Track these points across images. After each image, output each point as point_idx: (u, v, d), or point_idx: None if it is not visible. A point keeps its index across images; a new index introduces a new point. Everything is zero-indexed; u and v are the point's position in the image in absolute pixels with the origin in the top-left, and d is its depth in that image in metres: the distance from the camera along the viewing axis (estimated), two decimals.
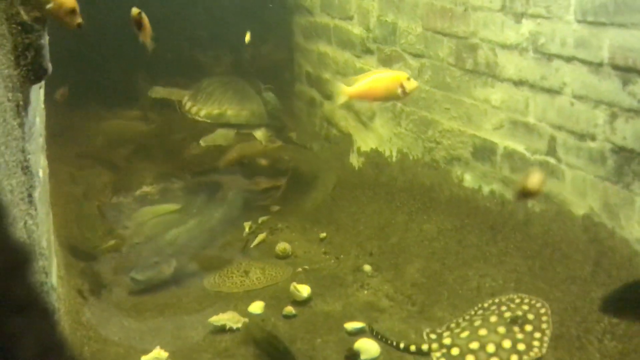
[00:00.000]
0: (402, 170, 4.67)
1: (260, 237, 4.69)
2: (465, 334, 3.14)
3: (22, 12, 1.81)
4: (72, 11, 1.97)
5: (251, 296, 3.88)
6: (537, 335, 3.03)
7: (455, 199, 4.24)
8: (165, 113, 6.21)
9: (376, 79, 3.09)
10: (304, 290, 3.78)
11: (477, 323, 3.18)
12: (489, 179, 4.01)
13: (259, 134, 5.59)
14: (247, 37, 5.25)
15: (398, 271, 3.97)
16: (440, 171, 4.35)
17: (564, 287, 3.41)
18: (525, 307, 3.19)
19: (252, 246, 4.60)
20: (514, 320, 3.06)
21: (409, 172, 4.61)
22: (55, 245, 3.26)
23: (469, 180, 4.15)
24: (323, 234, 4.63)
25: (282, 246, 4.45)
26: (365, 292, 3.84)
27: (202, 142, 5.54)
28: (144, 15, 3.50)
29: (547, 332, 3.02)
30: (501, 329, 3.10)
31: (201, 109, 5.76)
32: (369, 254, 4.21)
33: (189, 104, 5.87)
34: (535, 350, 2.96)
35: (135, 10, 3.51)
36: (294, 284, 3.81)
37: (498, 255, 3.79)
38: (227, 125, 5.65)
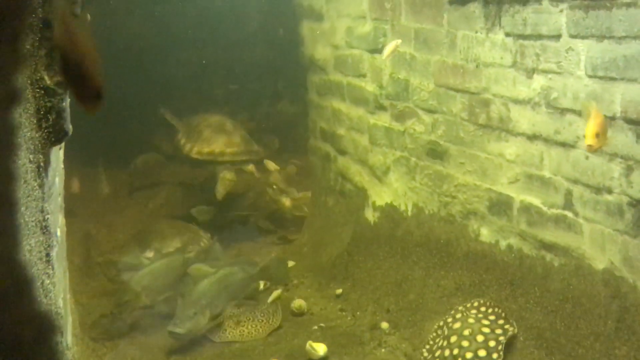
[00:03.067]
0: (418, 225, 4.65)
1: (276, 293, 4.66)
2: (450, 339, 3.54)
3: (45, 77, 1.87)
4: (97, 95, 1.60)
5: (267, 354, 3.82)
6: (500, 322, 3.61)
7: (473, 253, 4.19)
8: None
9: None
10: (320, 349, 3.72)
11: (457, 325, 3.60)
12: (506, 234, 3.98)
13: (271, 165, 5.74)
14: None
15: (416, 329, 3.90)
16: (457, 225, 4.33)
17: (587, 343, 3.33)
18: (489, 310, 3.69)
19: (268, 302, 4.56)
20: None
21: (425, 227, 4.58)
22: (70, 303, 3.25)
23: (485, 234, 4.12)
24: (339, 290, 4.59)
25: (297, 303, 4.40)
26: (383, 350, 3.77)
27: (218, 195, 5.59)
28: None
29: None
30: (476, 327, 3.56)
31: (193, 147, 5.82)
32: (386, 311, 4.15)
33: (183, 141, 5.97)
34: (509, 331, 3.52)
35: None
36: (310, 342, 3.76)
37: (518, 311, 3.71)
38: (221, 163, 5.76)
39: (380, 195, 5.04)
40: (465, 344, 3.46)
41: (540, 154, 3.66)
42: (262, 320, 4.20)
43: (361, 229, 5.15)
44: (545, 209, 3.68)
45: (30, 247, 1.59)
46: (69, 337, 2.79)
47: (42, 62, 1.88)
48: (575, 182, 3.47)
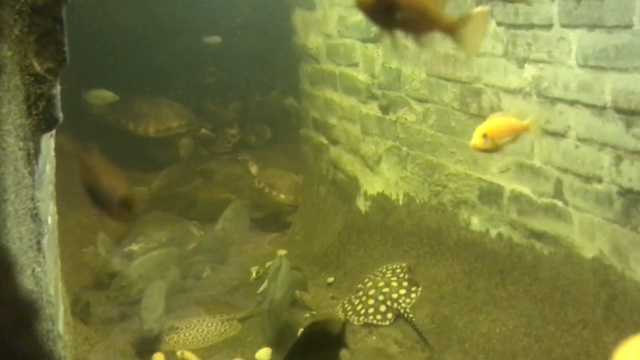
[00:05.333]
0: (409, 214, 4.67)
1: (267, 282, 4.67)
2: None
3: (35, 63, 1.86)
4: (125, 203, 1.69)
5: (258, 342, 3.84)
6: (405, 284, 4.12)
7: (463, 242, 4.22)
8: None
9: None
10: None
11: (369, 284, 4.16)
12: (496, 222, 4.00)
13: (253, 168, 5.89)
14: None
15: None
16: (448, 214, 4.35)
17: (575, 331, 3.36)
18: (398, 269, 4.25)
19: (258, 292, 4.58)
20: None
21: (416, 216, 4.60)
22: (62, 291, 3.25)
23: (476, 223, 4.15)
24: (331, 279, 4.60)
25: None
26: (374, 337, 3.79)
27: (182, 156, 5.79)
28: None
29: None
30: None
31: (148, 127, 6.36)
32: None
33: (132, 126, 6.35)
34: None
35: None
36: (302, 329, 3.77)
37: (508, 299, 3.74)
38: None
39: (372, 185, 5.05)
40: (370, 299, 4.01)
41: (531, 143, 3.68)
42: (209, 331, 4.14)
43: (353, 218, 5.17)
44: (535, 198, 3.70)
45: (20, 235, 1.59)
46: (60, 326, 2.79)
47: (32, 48, 1.86)
48: (566, 171, 3.49)
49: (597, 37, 3.17)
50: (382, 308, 3.92)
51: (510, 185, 3.86)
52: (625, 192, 3.16)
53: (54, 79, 1.93)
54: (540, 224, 3.68)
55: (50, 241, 2.32)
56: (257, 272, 4.87)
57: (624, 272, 3.25)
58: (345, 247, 4.90)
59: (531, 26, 3.54)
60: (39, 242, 1.85)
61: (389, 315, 3.89)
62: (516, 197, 3.83)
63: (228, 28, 6.92)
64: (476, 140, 2.75)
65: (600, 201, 3.31)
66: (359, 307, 3.98)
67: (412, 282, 4.12)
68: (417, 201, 4.60)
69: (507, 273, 3.86)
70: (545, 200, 3.65)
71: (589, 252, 3.43)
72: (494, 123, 2.79)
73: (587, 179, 3.36)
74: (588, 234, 3.41)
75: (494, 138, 2.75)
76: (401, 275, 4.18)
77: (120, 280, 4.34)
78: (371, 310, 3.92)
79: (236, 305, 4.46)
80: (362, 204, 5.15)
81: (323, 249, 5.04)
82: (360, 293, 4.11)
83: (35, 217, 1.79)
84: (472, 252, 4.13)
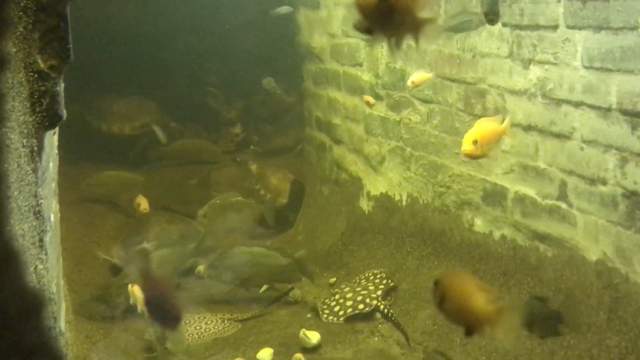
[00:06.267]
0: (412, 215, 4.66)
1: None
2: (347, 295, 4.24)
3: (39, 60, 1.86)
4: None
5: (260, 342, 3.83)
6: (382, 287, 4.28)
7: (466, 243, 4.20)
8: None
9: None
10: (314, 337, 3.73)
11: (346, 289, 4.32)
12: (499, 224, 3.99)
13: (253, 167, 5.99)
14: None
15: (409, 317, 3.92)
16: (451, 216, 4.33)
17: (578, 334, 3.34)
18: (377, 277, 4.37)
19: (260, 292, 4.56)
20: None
21: (419, 217, 4.59)
22: (64, 289, 3.25)
23: (479, 225, 4.13)
24: (333, 279, 4.59)
25: (292, 291, 4.40)
26: (376, 339, 3.78)
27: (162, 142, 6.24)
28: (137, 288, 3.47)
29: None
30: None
31: (124, 126, 6.57)
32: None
33: (104, 125, 6.52)
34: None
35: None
36: (304, 330, 3.77)
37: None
38: None
39: (375, 185, 5.04)
40: (349, 301, 4.17)
41: (535, 145, 3.66)
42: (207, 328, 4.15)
43: (356, 218, 5.16)
44: (539, 199, 3.69)
45: (23, 231, 1.58)
46: (62, 323, 2.79)
47: (36, 45, 1.86)
48: (570, 173, 3.47)
49: (603, 39, 3.15)
50: (360, 306, 4.07)
51: (514, 186, 3.85)
52: (630, 195, 3.14)
53: (58, 76, 1.93)
54: (544, 225, 3.66)
55: (52, 239, 2.31)
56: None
57: (628, 274, 3.23)
58: (348, 248, 4.89)
59: (537, 27, 3.53)
60: (41, 240, 1.84)
61: (367, 310, 4.04)
62: (520, 199, 3.82)
63: (232, 26, 6.91)
64: (467, 146, 2.72)
65: (605, 203, 3.29)
66: (336, 309, 4.11)
67: (388, 286, 4.25)
68: (421, 202, 4.59)
69: (511, 275, 3.85)
70: (549, 202, 3.63)
71: (592, 255, 3.41)
72: (482, 129, 2.76)
73: (592, 181, 3.35)
74: (592, 236, 3.40)
75: (482, 144, 2.73)
76: (377, 281, 4.31)
77: (123, 278, 4.33)
78: (349, 310, 4.08)
79: (236, 305, 4.44)
80: (365, 205, 5.14)
81: (325, 249, 5.03)
82: (337, 296, 4.24)
83: (38, 214, 1.79)
84: (476, 253, 4.12)
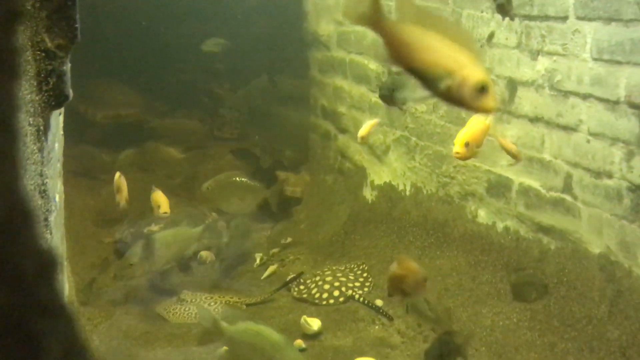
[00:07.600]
0: (416, 205, 4.65)
1: (271, 269, 4.67)
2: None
3: (46, 39, 1.85)
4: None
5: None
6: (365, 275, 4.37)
7: (469, 234, 4.20)
8: None
9: None
10: (315, 324, 3.74)
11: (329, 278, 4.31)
12: (503, 215, 3.98)
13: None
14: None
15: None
16: (455, 206, 4.33)
17: (579, 326, 3.35)
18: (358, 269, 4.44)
19: (262, 278, 4.57)
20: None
21: (423, 207, 4.58)
22: (67, 271, 3.26)
23: (483, 216, 4.12)
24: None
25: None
26: (377, 327, 3.79)
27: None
28: (123, 180, 3.71)
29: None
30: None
31: (96, 112, 6.43)
32: (380, 289, 4.16)
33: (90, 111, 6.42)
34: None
35: (117, 175, 3.77)
36: (305, 317, 3.77)
37: (512, 293, 3.73)
38: None
39: (379, 175, 5.03)
40: (326, 285, 4.24)
41: (542, 137, 3.65)
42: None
43: (359, 207, 5.15)
44: (544, 191, 3.68)
45: None
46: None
47: (43, 24, 1.85)
48: (575, 165, 3.46)
49: (613, 31, 3.13)
50: (336, 293, 4.15)
51: (519, 178, 3.83)
52: (636, 188, 3.13)
53: (65, 55, 1.92)
54: (548, 218, 3.66)
55: (57, 219, 2.31)
56: (261, 259, 4.86)
57: (631, 268, 3.22)
58: (350, 237, 4.89)
59: (546, 18, 3.50)
60: (46, 219, 1.84)
61: (341, 299, 4.11)
62: (524, 191, 3.81)
63: (238, 13, 6.88)
64: (459, 148, 2.70)
65: (610, 197, 3.28)
66: (314, 291, 4.21)
67: (367, 279, 4.33)
68: (425, 192, 4.58)
69: (513, 267, 3.85)
70: (553, 194, 3.62)
71: (596, 248, 3.41)
72: (473, 130, 2.73)
73: (597, 174, 3.33)
74: (596, 229, 3.39)
75: (473, 146, 2.71)
76: (358, 272, 4.38)
77: (128, 259, 4.32)
78: (325, 295, 4.14)
79: (240, 290, 4.46)
80: (368, 194, 5.13)
81: (328, 238, 5.03)
82: (318, 278, 4.31)
83: (44, 193, 1.78)
84: (478, 244, 4.11)
